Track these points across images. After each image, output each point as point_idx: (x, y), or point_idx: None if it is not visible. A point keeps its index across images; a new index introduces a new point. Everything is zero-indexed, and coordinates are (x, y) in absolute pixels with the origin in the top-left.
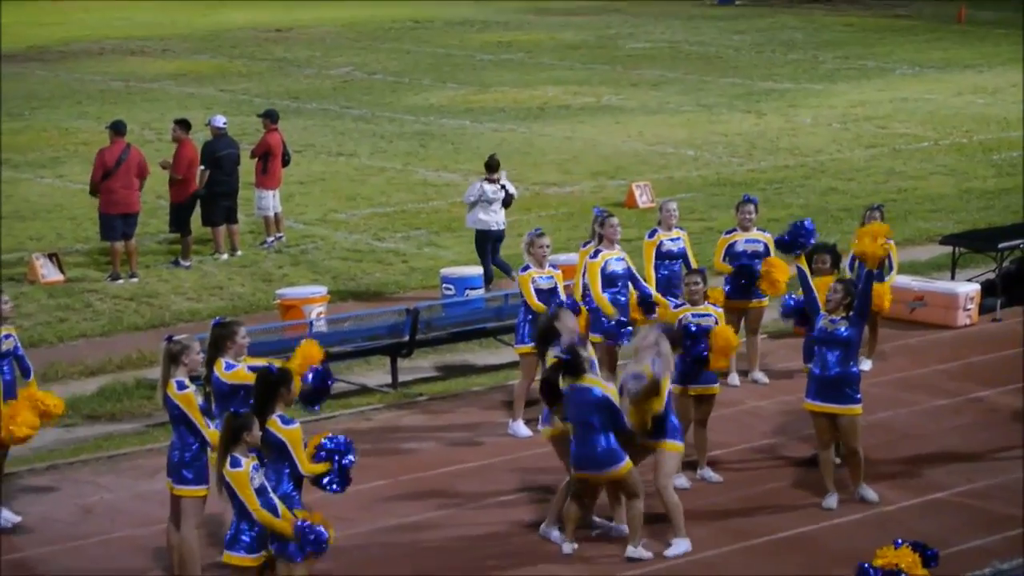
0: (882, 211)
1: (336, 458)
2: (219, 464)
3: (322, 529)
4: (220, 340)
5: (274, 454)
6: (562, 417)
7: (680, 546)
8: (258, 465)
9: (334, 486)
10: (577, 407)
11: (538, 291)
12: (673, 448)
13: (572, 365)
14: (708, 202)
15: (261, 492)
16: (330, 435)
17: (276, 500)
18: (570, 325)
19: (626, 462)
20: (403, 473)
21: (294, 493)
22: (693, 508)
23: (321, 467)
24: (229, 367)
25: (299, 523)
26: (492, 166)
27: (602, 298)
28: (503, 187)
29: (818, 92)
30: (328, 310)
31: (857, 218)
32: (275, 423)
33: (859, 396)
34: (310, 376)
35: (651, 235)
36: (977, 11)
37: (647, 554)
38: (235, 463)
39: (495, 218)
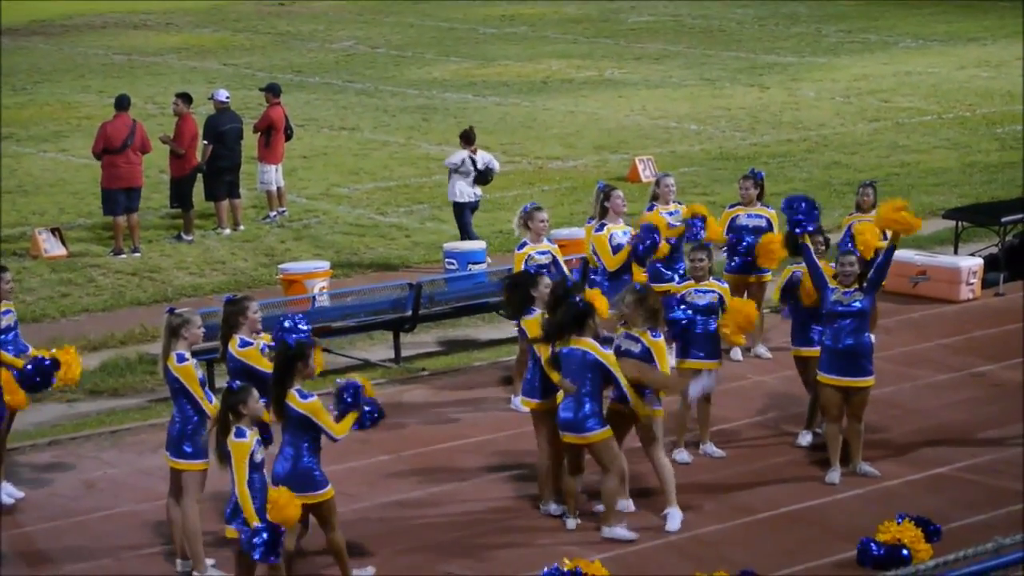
0: (875, 187)
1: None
2: (218, 438)
3: (278, 541)
4: (232, 317)
5: (293, 428)
6: (556, 368)
7: (675, 518)
8: (261, 440)
9: (367, 423)
10: (569, 368)
11: (537, 266)
12: (656, 414)
13: (583, 314)
14: (711, 176)
15: (256, 468)
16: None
17: (266, 480)
18: (543, 293)
19: (603, 431)
20: (406, 448)
21: (314, 467)
22: (695, 483)
23: (349, 420)
24: (244, 344)
25: (259, 526)
26: (471, 138)
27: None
28: (473, 161)
29: (821, 65)
30: (331, 285)
31: None
32: (294, 398)
33: (872, 367)
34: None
35: (649, 209)
36: None
37: (627, 535)
38: (240, 434)
39: (473, 189)
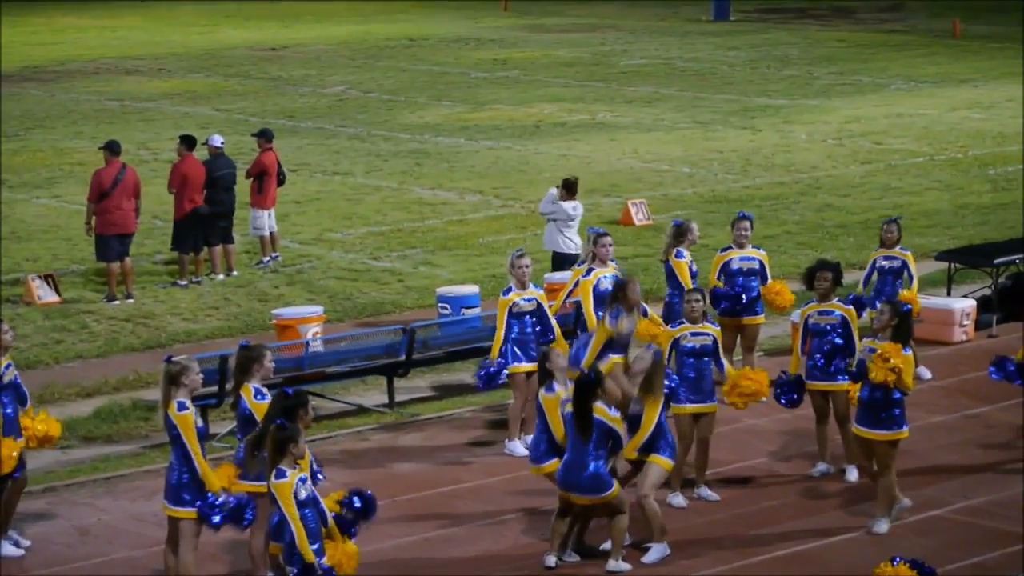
0: (899, 223)
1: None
2: (268, 477)
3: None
4: (247, 363)
5: None
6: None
7: (656, 551)
8: (306, 477)
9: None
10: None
11: (520, 312)
12: (662, 463)
13: (593, 384)
14: (703, 219)
15: (307, 504)
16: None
17: (327, 513)
18: (561, 364)
19: (613, 488)
20: (400, 493)
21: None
22: (691, 526)
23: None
24: (259, 396)
25: (319, 560)
26: (573, 188)
27: (592, 316)
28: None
29: (813, 108)
30: (324, 330)
31: (853, 234)
32: None
33: (904, 419)
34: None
35: (680, 256)
36: (972, 25)
37: (626, 566)
38: (280, 475)
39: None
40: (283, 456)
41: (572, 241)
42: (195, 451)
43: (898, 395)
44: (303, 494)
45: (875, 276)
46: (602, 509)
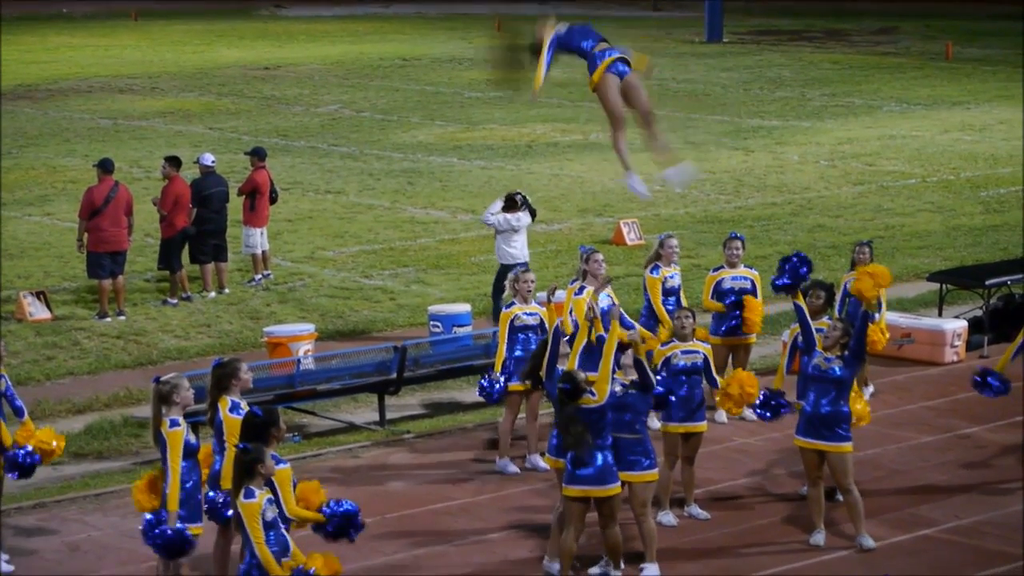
0: (871, 246)
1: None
2: (233, 497)
3: None
4: (223, 379)
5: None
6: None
7: (653, 571)
8: (272, 499)
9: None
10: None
11: (523, 327)
12: (646, 478)
13: (572, 392)
14: (695, 239)
15: (271, 527)
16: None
17: (288, 537)
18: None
19: (617, 484)
20: (391, 511)
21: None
22: (680, 545)
23: (312, 515)
24: (235, 411)
25: (296, 570)
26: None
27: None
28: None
29: (805, 129)
30: (316, 348)
31: (845, 255)
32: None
33: (849, 434)
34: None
35: (655, 271)
36: (964, 48)
37: (616, 573)
38: (249, 495)
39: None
40: (252, 477)
41: (518, 251)
42: (174, 470)
43: (845, 409)
44: (269, 515)
45: (847, 302)
46: (605, 509)
